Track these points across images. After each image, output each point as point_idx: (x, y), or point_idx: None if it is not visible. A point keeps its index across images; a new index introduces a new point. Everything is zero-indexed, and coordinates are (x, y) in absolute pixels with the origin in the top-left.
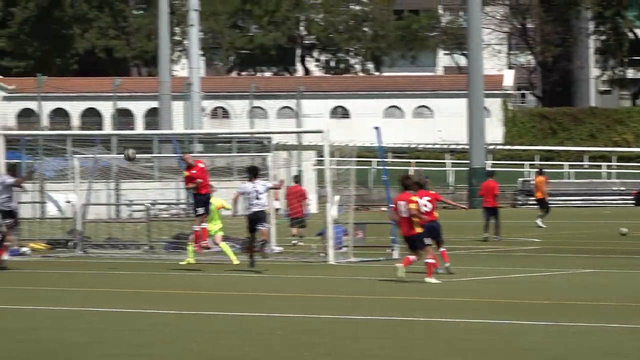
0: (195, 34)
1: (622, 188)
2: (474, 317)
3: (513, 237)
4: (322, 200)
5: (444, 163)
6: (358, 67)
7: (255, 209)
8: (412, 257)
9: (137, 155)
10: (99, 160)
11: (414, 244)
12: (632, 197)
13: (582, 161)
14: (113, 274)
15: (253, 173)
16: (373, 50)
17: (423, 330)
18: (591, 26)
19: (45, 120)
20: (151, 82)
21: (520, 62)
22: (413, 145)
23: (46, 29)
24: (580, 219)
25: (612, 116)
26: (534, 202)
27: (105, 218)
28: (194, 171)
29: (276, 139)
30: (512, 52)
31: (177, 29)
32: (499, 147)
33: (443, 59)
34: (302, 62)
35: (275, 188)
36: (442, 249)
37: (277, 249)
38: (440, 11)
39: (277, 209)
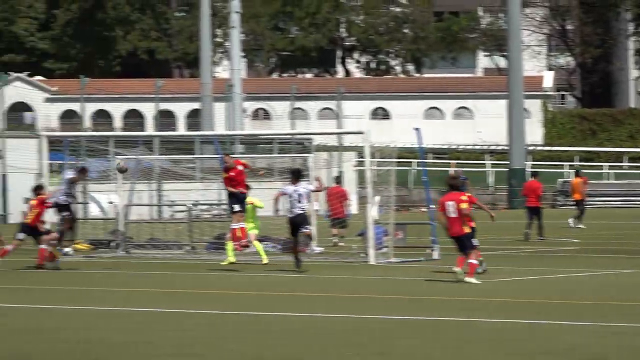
0: (236, 36)
1: None
2: (513, 317)
3: (552, 238)
4: (362, 200)
5: (484, 164)
6: (398, 68)
7: (297, 212)
8: (473, 262)
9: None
10: (141, 161)
11: (464, 244)
12: None
13: (622, 162)
14: (155, 274)
15: (296, 176)
16: (413, 52)
17: (463, 330)
18: (631, 27)
19: (87, 122)
20: (193, 83)
21: (560, 64)
22: (453, 146)
23: (89, 31)
24: (620, 219)
25: None
26: (573, 204)
27: (148, 219)
28: (232, 173)
29: (317, 140)
30: (551, 53)
31: (218, 31)
32: (538, 148)
33: (483, 61)
34: (343, 63)
35: (317, 191)
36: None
37: (318, 249)
38: (480, 13)
39: (315, 210)
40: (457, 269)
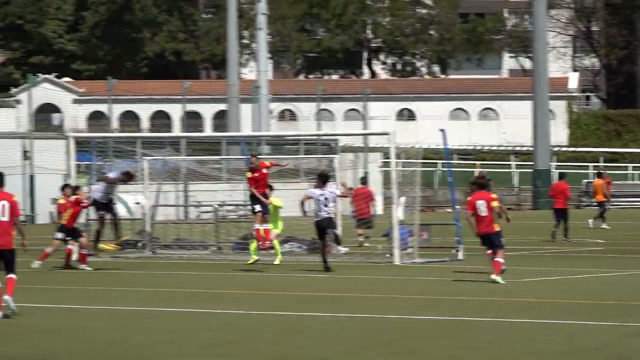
0: (263, 38)
1: None
2: (538, 317)
3: (577, 238)
4: (387, 201)
5: (509, 165)
6: (424, 69)
7: (323, 215)
8: (500, 260)
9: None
10: (168, 162)
11: (493, 242)
12: None
13: None
14: (181, 274)
15: (323, 180)
16: (439, 53)
17: (488, 330)
18: None
19: (115, 123)
20: (220, 84)
21: (585, 65)
22: (478, 147)
23: (117, 32)
24: None
25: None
26: (596, 205)
27: (174, 219)
28: (257, 174)
29: (343, 141)
30: (577, 54)
31: (245, 33)
32: (563, 149)
33: (508, 62)
34: (369, 65)
35: (343, 196)
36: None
37: (344, 249)
38: (506, 14)
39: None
40: (494, 276)
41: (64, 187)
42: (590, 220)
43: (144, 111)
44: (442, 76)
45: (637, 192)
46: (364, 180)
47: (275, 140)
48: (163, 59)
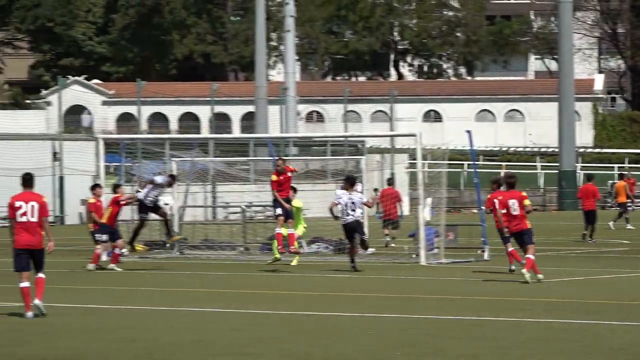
0: (291, 40)
1: None
2: (562, 318)
3: (602, 239)
4: (414, 202)
5: (535, 166)
6: (450, 71)
7: (350, 219)
8: (531, 256)
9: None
10: (196, 163)
11: (524, 239)
12: None
13: None
14: (209, 274)
15: (350, 183)
16: (465, 55)
17: (512, 330)
18: None
19: (144, 124)
20: (248, 86)
21: (611, 67)
22: (504, 148)
23: (146, 35)
24: None
25: None
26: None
27: (202, 220)
28: (282, 177)
29: (369, 142)
30: (602, 56)
31: (273, 35)
32: (588, 150)
33: (534, 64)
34: (396, 66)
35: (367, 206)
36: (510, 249)
37: (370, 250)
38: (532, 16)
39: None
40: (525, 272)
41: (95, 187)
42: (611, 223)
43: (173, 113)
44: (469, 78)
45: None
46: (391, 181)
47: (302, 142)
48: (192, 61)
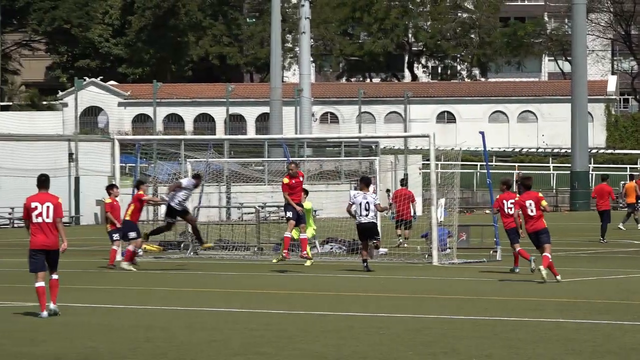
0: (306, 41)
1: None
2: (574, 317)
3: (613, 239)
4: (426, 203)
5: (547, 167)
6: (464, 73)
7: (364, 220)
8: (548, 255)
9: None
10: (211, 164)
11: (540, 239)
12: None
13: None
14: (223, 274)
15: (365, 183)
16: (479, 57)
17: (525, 330)
18: None
19: (159, 125)
20: (263, 88)
21: (624, 68)
22: (517, 149)
23: (162, 36)
24: None
25: None
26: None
27: (217, 220)
28: (293, 181)
29: (383, 143)
30: (615, 58)
31: (288, 37)
32: (601, 151)
33: (548, 65)
34: (410, 68)
35: (378, 210)
36: (518, 249)
37: (383, 250)
38: (546, 18)
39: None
40: (542, 268)
41: (111, 187)
42: (621, 224)
43: (188, 114)
44: (482, 79)
45: None
46: (404, 182)
47: (317, 143)
48: (207, 63)
